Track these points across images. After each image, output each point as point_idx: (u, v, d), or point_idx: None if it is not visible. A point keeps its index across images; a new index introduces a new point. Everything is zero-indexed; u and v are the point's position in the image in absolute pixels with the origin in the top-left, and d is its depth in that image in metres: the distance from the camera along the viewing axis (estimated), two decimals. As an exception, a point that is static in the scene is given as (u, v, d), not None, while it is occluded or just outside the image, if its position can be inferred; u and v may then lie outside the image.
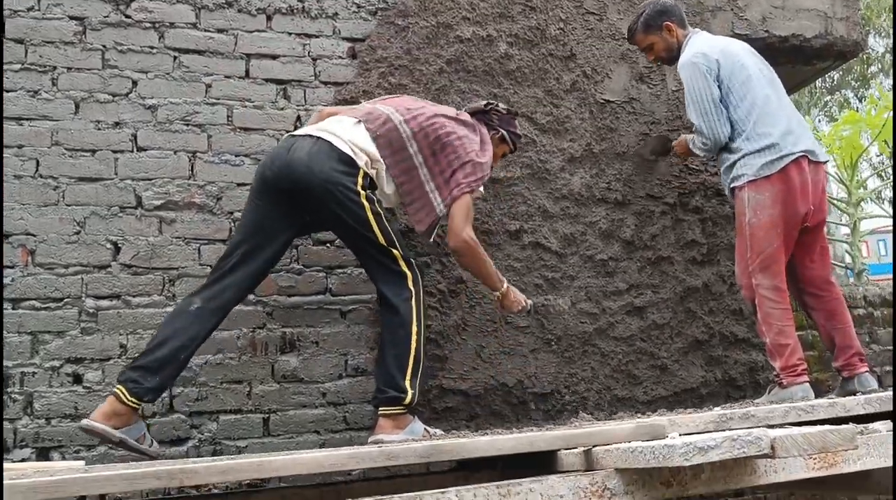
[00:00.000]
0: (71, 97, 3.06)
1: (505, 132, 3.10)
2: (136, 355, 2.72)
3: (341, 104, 3.30)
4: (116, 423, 2.51)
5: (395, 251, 2.76)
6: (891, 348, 4.11)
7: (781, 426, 1.99)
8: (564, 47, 3.72)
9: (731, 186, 3.26)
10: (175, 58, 3.20)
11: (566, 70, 3.71)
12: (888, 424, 1.99)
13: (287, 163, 2.71)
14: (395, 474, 2.78)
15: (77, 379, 2.91)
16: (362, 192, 2.72)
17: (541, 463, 1.92)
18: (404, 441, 2.44)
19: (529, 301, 3.06)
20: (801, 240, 3.25)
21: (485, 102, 3.12)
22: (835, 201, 7.62)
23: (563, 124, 3.66)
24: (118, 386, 2.56)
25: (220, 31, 3.27)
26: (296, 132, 2.90)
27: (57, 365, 2.88)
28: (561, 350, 3.49)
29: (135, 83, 3.14)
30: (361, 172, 2.75)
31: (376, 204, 2.76)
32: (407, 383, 2.67)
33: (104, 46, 3.12)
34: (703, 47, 3.30)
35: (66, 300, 2.93)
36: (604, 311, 3.58)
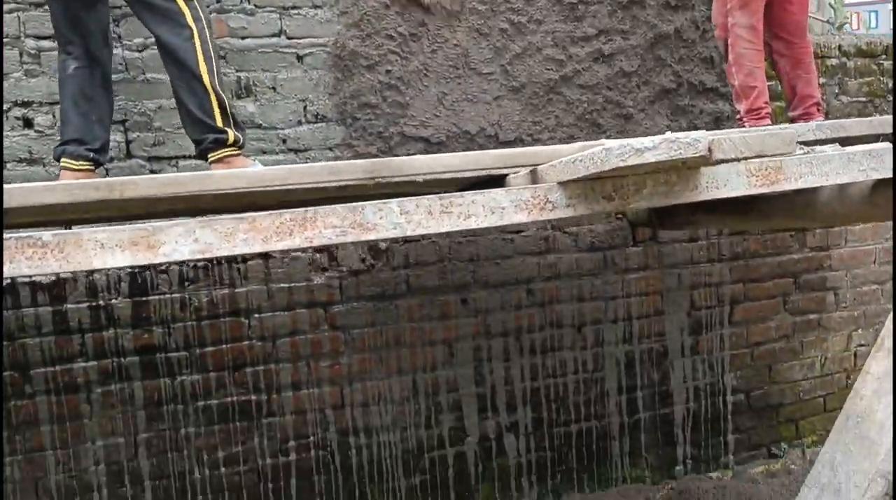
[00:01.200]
0: None
1: None
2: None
3: None
4: None
5: None
6: (860, 99, 4.08)
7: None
8: None
9: None
10: None
11: None
12: (836, 146, 2.00)
13: None
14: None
15: (28, 123, 2.84)
16: None
17: (490, 183, 1.94)
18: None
19: None
20: None
21: None
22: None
23: None
24: (62, 161, 2.53)
25: None
26: None
27: (5, 108, 2.81)
28: (525, 98, 3.43)
29: None
30: None
31: None
32: (221, 124, 2.50)
33: None
34: None
35: (6, 41, 2.79)
36: (570, 57, 3.47)
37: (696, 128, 3.70)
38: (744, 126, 3.11)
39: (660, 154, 1.38)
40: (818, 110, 3.28)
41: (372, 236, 1.58)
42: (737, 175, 1.73)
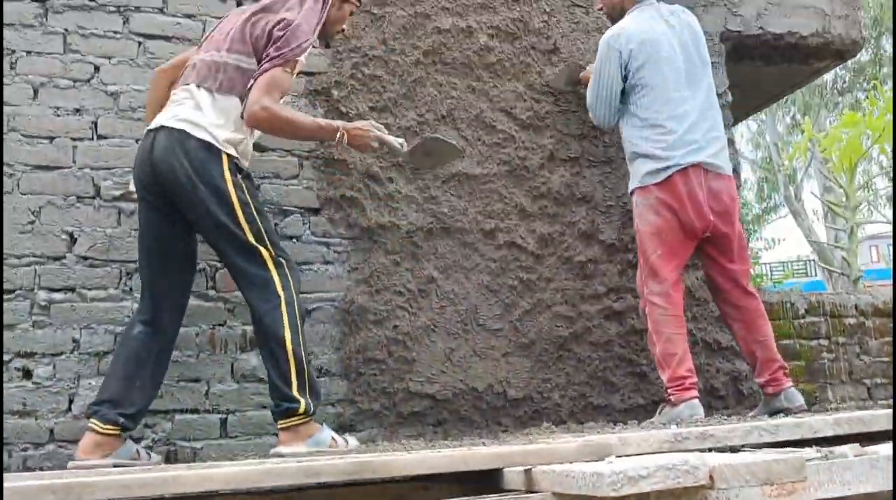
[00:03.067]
0: (29, 82, 2.96)
1: None
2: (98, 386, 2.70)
3: (312, 94, 3.21)
4: (102, 452, 2.50)
5: (262, 250, 2.59)
6: (882, 359, 3.97)
7: (741, 447, 1.88)
8: (548, 40, 3.60)
9: (629, 188, 3.26)
10: (140, 43, 3.10)
11: (549, 64, 3.58)
12: (856, 447, 1.87)
13: (150, 162, 2.60)
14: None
15: (27, 374, 2.81)
16: (229, 177, 2.58)
17: (486, 475, 1.81)
18: (317, 456, 2.28)
19: (398, 139, 2.86)
20: (709, 248, 3.17)
21: None
22: (833, 205, 7.46)
23: (544, 120, 3.54)
24: (90, 421, 2.53)
25: (188, 16, 3.17)
26: (151, 125, 2.69)
27: (6, 359, 2.79)
28: (535, 355, 3.37)
29: (97, 69, 3.04)
30: (225, 156, 2.60)
31: (244, 192, 2.61)
32: (296, 393, 2.52)
33: (66, 30, 3.02)
34: (627, 28, 3.21)
35: (17, 292, 2.84)
36: (581, 315, 3.45)
37: (713, 388, 3.58)
38: (670, 399, 2.94)
39: (655, 483, 1.27)
40: (784, 375, 3.12)
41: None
42: (748, 489, 1.59)
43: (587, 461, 1.65)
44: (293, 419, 2.52)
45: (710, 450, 1.79)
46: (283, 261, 2.62)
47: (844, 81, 18.09)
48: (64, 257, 2.90)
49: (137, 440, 2.86)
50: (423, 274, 3.27)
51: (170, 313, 2.67)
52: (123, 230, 2.97)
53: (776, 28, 3.98)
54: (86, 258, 2.92)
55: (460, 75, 3.44)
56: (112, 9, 3.07)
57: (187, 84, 2.69)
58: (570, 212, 3.51)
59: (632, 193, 3.23)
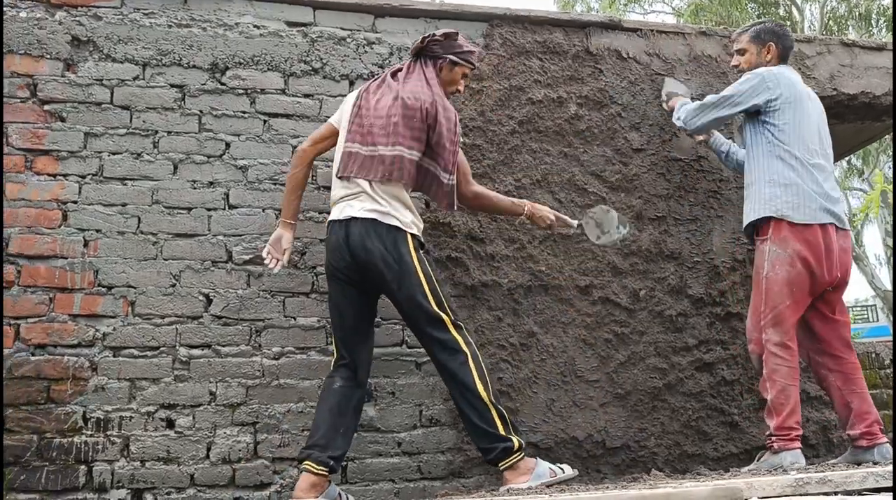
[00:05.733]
0: (170, 159, 3.29)
1: (451, 56, 3.13)
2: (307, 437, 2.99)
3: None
4: (316, 492, 2.80)
5: (444, 316, 2.89)
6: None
7: (859, 492, 2.01)
8: (634, 108, 3.83)
9: (753, 221, 3.25)
10: (265, 121, 3.42)
11: (635, 129, 3.81)
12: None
13: (348, 248, 2.93)
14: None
15: (170, 424, 3.08)
16: (414, 254, 2.91)
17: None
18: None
19: (574, 221, 3.35)
20: (821, 301, 3.24)
21: (420, 38, 3.14)
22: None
23: (632, 182, 3.75)
24: (305, 463, 2.83)
25: (306, 96, 3.48)
26: (339, 217, 2.99)
27: (152, 410, 3.06)
28: (631, 405, 3.53)
29: (228, 145, 3.36)
30: (409, 236, 2.94)
31: (427, 266, 2.95)
32: (504, 433, 2.81)
33: (201, 111, 3.36)
34: (783, 72, 3.34)
35: (161, 349, 3.12)
36: (673, 366, 3.61)
37: (804, 437, 3.65)
38: (772, 446, 3.02)
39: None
40: (880, 429, 3.16)
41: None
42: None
43: (721, 504, 1.82)
44: (512, 457, 2.82)
45: (832, 493, 1.93)
46: (461, 324, 2.94)
47: (902, 126, 17.92)
48: (201, 317, 3.19)
49: (267, 486, 3.11)
50: (524, 329, 3.48)
51: (364, 371, 3.00)
52: (253, 291, 3.25)
53: (849, 89, 4.16)
54: (220, 317, 3.21)
55: (553, 142, 3.69)
56: (240, 91, 3.41)
57: (356, 177, 2.98)
58: (660, 268, 3.69)
59: (757, 239, 3.27)
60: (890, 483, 2.05)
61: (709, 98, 3.42)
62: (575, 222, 3.34)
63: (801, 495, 1.92)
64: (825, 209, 3.19)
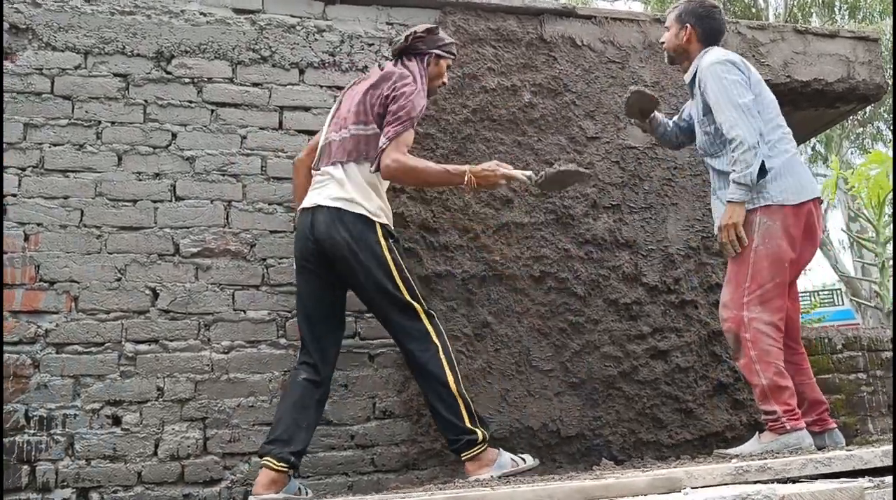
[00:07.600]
0: (114, 150, 3.21)
1: (436, 50, 3.15)
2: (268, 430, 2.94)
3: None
4: (276, 488, 2.76)
5: (416, 305, 2.89)
6: (920, 391, 4.08)
7: (798, 479, 2.03)
8: (588, 96, 3.81)
9: (753, 205, 3.04)
10: (213, 111, 3.35)
11: (589, 118, 3.80)
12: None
13: (313, 238, 2.90)
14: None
15: (116, 421, 3.02)
16: (383, 243, 2.88)
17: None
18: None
19: (525, 172, 3.07)
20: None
21: (404, 36, 3.14)
22: (863, 240, 7.58)
23: (587, 170, 3.73)
24: (265, 459, 2.78)
25: (255, 84, 3.42)
26: (305, 205, 2.98)
27: (97, 407, 3.00)
28: (586, 394, 3.53)
29: (174, 136, 3.29)
30: (378, 225, 2.90)
31: (397, 254, 2.92)
32: (471, 425, 2.83)
33: (146, 101, 3.28)
34: (730, 54, 3.15)
35: (106, 345, 3.06)
36: (627, 354, 3.62)
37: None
38: (784, 428, 2.91)
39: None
40: (828, 415, 3.19)
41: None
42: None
43: (659, 494, 1.82)
44: (475, 449, 2.84)
45: (771, 482, 1.94)
46: (432, 313, 2.93)
47: (865, 113, 18.19)
48: (148, 311, 3.13)
49: (217, 482, 3.06)
50: (478, 319, 3.46)
51: (329, 365, 2.96)
52: (201, 284, 3.19)
53: (803, 76, 4.18)
54: (167, 312, 3.15)
55: (506, 131, 3.67)
56: (187, 80, 3.33)
57: (325, 166, 3.00)
58: (614, 256, 3.69)
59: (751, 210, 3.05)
60: (829, 470, 2.07)
61: (730, 124, 3.00)
62: (530, 178, 3.05)
63: (740, 482, 1.93)
64: (813, 183, 3.14)
